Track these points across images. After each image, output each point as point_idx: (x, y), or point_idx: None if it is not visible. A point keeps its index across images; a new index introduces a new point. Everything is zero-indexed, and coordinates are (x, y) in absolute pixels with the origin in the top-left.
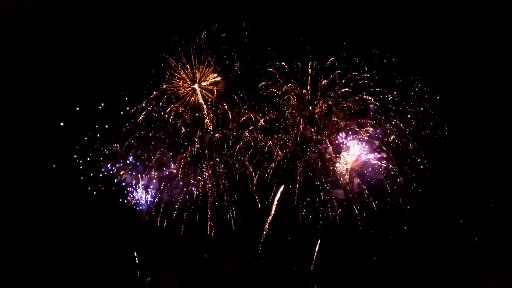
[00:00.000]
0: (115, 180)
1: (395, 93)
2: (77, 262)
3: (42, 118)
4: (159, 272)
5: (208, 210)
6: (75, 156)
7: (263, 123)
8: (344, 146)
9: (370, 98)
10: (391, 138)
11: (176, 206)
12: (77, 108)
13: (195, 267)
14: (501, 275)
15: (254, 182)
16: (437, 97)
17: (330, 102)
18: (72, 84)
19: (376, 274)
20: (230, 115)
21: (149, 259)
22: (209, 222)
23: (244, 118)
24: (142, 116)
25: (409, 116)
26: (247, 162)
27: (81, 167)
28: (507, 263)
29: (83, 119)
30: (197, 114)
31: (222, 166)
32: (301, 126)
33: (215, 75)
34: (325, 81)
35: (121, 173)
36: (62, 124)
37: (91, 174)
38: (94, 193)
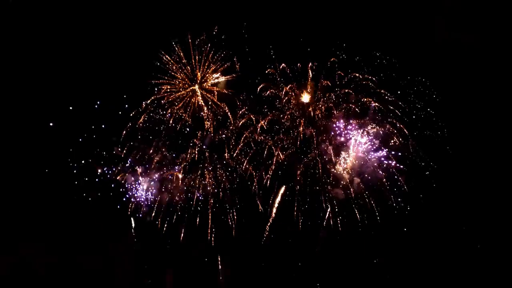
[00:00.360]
0: (112, 185)
1: (398, 92)
2: (77, 264)
3: (42, 119)
4: (158, 274)
5: (209, 212)
6: (72, 158)
7: (263, 124)
8: (344, 146)
9: (370, 99)
10: (392, 139)
11: (177, 208)
12: (70, 108)
13: (195, 270)
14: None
15: (255, 183)
16: (437, 99)
17: (330, 104)
18: (72, 85)
19: (376, 275)
20: (230, 116)
21: (149, 261)
22: (209, 224)
23: (244, 120)
24: (142, 118)
25: (411, 117)
26: (247, 165)
27: (79, 170)
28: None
29: (82, 120)
30: (197, 114)
31: (223, 168)
32: (301, 128)
33: (216, 75)
34: (326, 82)
35: (119, 177)
36: (56, 125)
37: (86, 178)
38: (92, 196)
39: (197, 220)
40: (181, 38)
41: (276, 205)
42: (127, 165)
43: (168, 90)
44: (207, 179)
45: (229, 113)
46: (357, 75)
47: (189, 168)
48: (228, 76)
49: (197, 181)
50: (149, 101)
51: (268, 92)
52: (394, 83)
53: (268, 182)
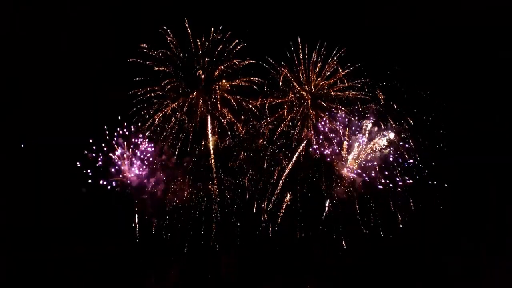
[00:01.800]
0: (117, 189)
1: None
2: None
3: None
4: (161, 274)
5: (212, 215)
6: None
7: (266, 130)
8: (345, 148)
9: (372, 104)
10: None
11: (181, 210)
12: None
13: (198, 269)
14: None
15: (259, 189)
16: (437, 102)
17: (331, 107)
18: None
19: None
20: (234, 123)
21: (153, 262)
22: (213, 225)
23: (247, 127)
24: (146, 125)
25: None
26: (251, 171)
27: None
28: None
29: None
30: (199, 117)
31: (227, 173)
32: (303, 132)
33: (221, 82)
34: (325, 82)
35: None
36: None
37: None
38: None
39: (202, 223)
40: (182, 39)
41: (281, 210)
42: (132, 168)
43: (172, 96)
44: (210, 185)
45: (233, 120)
46: (358, 79)
47: (194, 175)
48: (231, 81)
49: (201, 187)
50: (152, 111)
51: (270, 97)
52: (394, 88)
53: (271, 187)
